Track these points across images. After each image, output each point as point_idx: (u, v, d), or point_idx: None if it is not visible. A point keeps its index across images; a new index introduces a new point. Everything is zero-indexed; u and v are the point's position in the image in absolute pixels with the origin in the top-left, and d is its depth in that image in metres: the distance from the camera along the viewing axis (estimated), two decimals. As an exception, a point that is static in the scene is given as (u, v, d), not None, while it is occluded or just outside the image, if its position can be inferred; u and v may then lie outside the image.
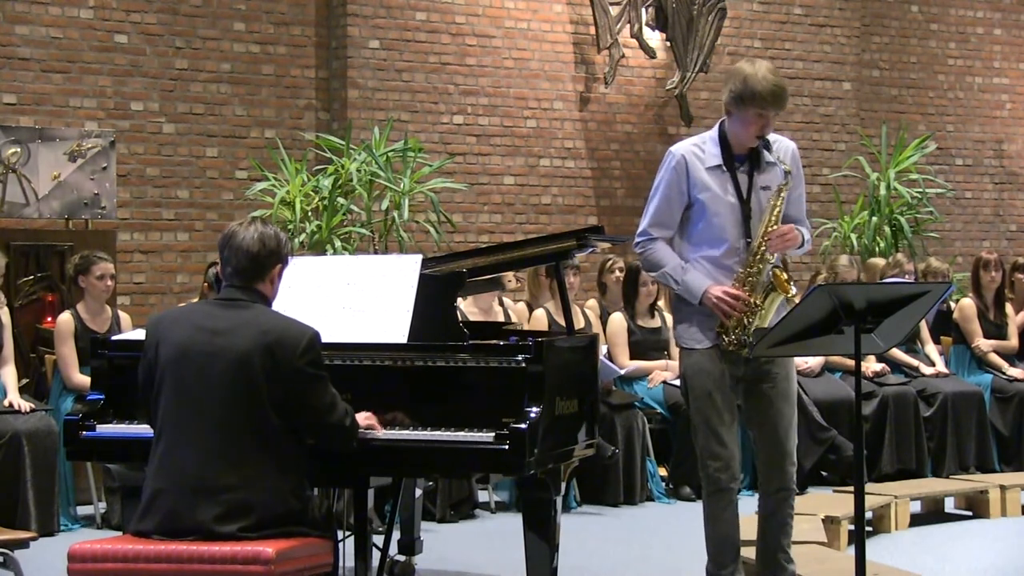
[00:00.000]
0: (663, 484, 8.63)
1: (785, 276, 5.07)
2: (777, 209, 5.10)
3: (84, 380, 7.15)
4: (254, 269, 4.50)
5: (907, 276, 9.25)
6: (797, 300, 4.86)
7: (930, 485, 8.43)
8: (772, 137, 5.17)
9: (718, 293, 5.07)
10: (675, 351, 8.87)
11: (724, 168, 5.14)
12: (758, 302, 5.06)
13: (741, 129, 5.11)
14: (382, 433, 4.71)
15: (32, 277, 8.76)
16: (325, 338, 4.52)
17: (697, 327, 5.17)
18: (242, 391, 4.34)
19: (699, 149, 5.19)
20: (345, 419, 4.51)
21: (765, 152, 5.12)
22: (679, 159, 5.17)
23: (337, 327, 4.91)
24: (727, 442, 5.16)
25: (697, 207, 5.16)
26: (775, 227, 5.09)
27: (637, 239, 5.28)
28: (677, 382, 8.69)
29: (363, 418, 4.67)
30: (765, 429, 5.23)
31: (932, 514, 8.12)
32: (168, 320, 4.57)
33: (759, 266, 5.08)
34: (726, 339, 5.09)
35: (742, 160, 5.17)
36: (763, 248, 5.08)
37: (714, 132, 5.21)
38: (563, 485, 5.06)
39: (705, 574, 5.30)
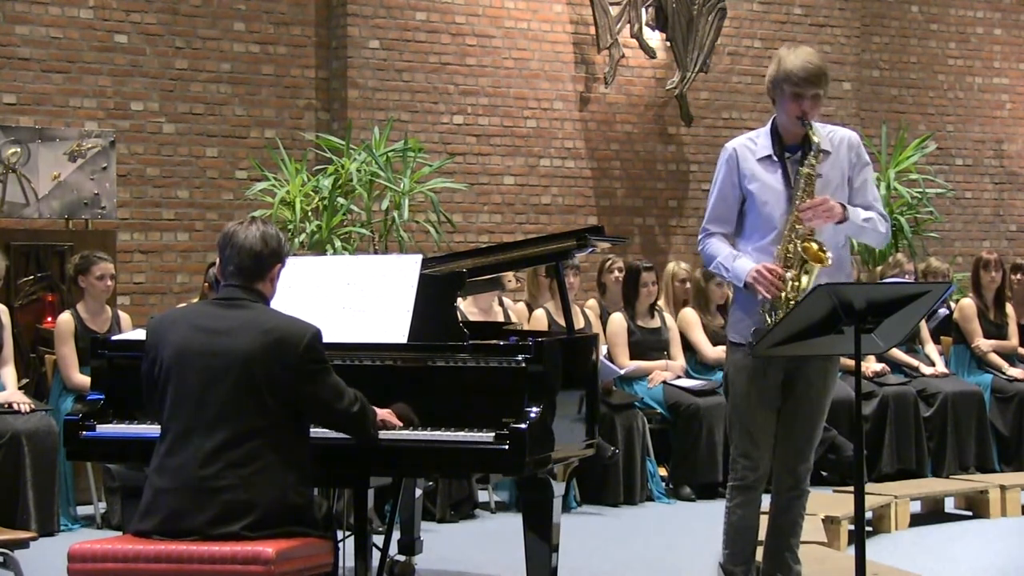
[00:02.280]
0: (663, 484, 8.63)
1: (816, 246, 4.99)
2: (811, 182, 5.03)
3: (84, 380, 7.14)
4: (256, 268, 4.50)
5: (907, 276, 9.25)
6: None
7: (930, 485, 8.43)
8: (830, 128, 5.17)
9: (756, 269, 5.03)
10: (675, 351, 8.91)
11: (775, 157, 5.14)
12: (793, 275, 5.00)
13: (783, 113, 5.12)
14: (382, 432, 4.70)
15: (32, 277, 8.76)
16: (325, 338, 4.52)
17: (745, 321, 5.15)
18: (244, 390, 4.34)
19: (752, 142, 5.21)
20: (353, 406, 4.51)
21: (816, 139, 5.07)
22: (731, 153, 5.20)
23: (337, 327, 4.91)
24: (760, 442, 5.16)
25: (749, 199, 5.16)
26: (807, 200, 5.03)
27: (699, 236, 5.29)
28: (677, 382, 8.76)
29: (382, 414, 4.70)
30: (789, 428, 5.22)
31: (932, 514, 8.12)
32: (168, 321, 4.57)
33: (794, 240, 5.04)
34: (770, 320, 5.03)
35: (794, 150, 5.15)
36: (796, 223, 5.04)
37: (767, 125, 5.23)
38: (563, 485, 5.06)
39: (719, 568, 5.30)
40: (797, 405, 5.20)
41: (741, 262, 5.11)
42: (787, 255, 5.05)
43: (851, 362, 4.77)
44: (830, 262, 5.01)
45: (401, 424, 4.75)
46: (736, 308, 5.26)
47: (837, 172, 5.15)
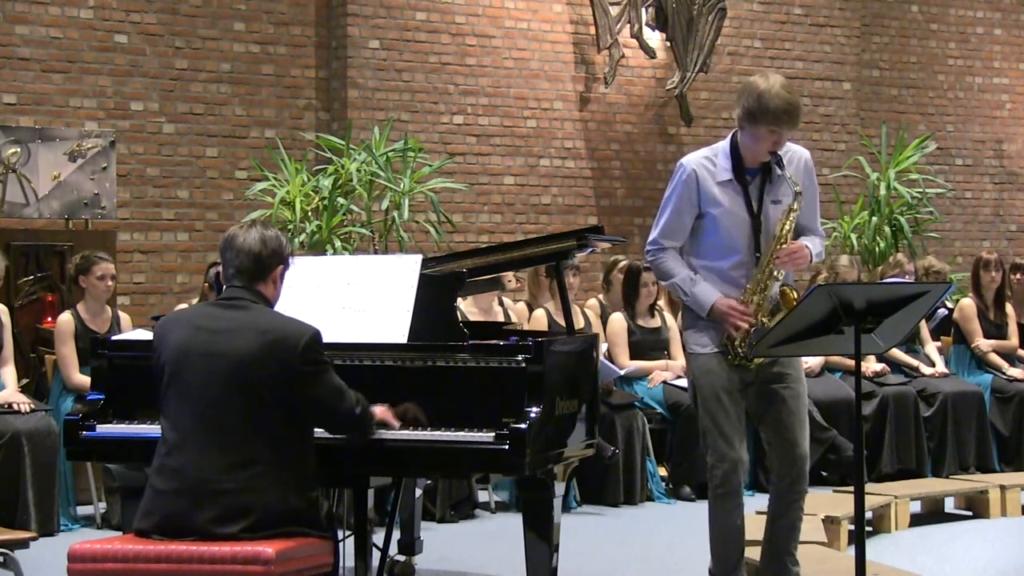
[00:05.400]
0: (663, 484, 8.63)
1: (795, 295, 5.04)
2: (787, 228, 5.10)
3: (84, 380, 7.14)
4: (256, 269, 4.51)
5: (907, 276, 9.26)
6: None
7: (930, 485, 8.43)
8: (785, 146, 5.17)
9: (725, 308, 5.07)
10: (675, 351, 8.91)
11: (736, 182, 5.13)
12: (764, 320, 5.06)
13: (753, 144, 5.09)
14: (382, 432, 4.70)
15: (32, 277, 8.76)
16: (325, 338, 4.51)
17: (705, 332, 5.18)
18: (243, 392, 4.34)
19: (710, 162, 5.17)
20: (355, 408, 4.52)
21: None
22: (690, 173, 5.16)
23: (337, 327, 4.91)
24: (735, 444, 5.16)
25: (708, 220, 5.16)
26: (784, 245, 5.09)
27: (648, 248, 5.28)
28: (677, 382, 8.75)
29: (379, 411, 4.69)
30: (779, 431, 5.22)
31: (932, 514, 8.12)
32: (171, 321, 4.59)
33: (767, 283, 5.09)
34: (731, 352, 5.10)
35: (754, 174, 5.15)
36: (771, 267, 5.08)
37: (726, 145, 5.19)
38: (563, 485, 5.06)
39: (708, 574, 5.31)
40: (780, 405, 5.21)
41: (702, 288, 5.14)
42: (755, 294, 5.09)
43: (851, 362, 4.77)
44: None
45: (398, 425, 4.75)
46: (691, 322, 5.25)
47: (792, 194, 5.16)
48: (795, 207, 5.10)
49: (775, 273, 5.10)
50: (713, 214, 5.13)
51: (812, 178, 5.26)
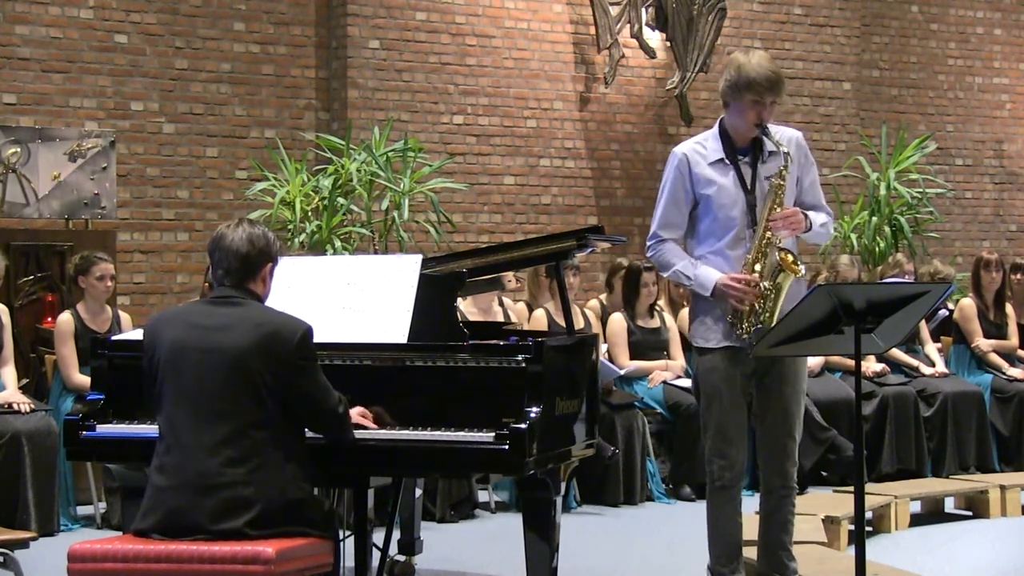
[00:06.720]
0: (663, 484, 8.64)
1: (792, 258, 5.07)
2: (780, 192, 5.10)
3: (84, 380, 7.14)
4: (245, 269, 4.54)
5: (907, 276, 9.26)
6: (806, 277, 5.02)
7: (930, 485, 8.43)
8: (774, 128, 5.20)
9: (727, 280, 5.08)
10: (675, 351, 8.91)
11: (727, 161, 5.18)
12: (767, 285, 5.06)
13: (739, 119, 5.15)
14: (382, 433, 4.72)
15: (32, 277, 8.76)
16: (325, 338, 4.54)
17: (711, 325, 5.19)
18: (240, 386, 4.36)
19: (701, 146, 5.23)
20: (339, 407, 4.56)
21: (767, 141, 5.13)
22: (681, 158, 5.21)
23: (337, 327, 4.92)
24: (734, 441, 5.19)
25: (703, 204, 5.19)
26: (779, 210, 5.10)
27: (648, 242, 5.30)
28: (677, 382, 8.76)
29: (356, 414, 4.71)
30: (769, 426, 5.25)
31: (932, 514, 8.13)
32: (164, 320, 4.61)
33: (765, 250, 5.09)
34: (740, 328, 5.09)
35: (745, 152, 5.20)
36: (768, 232, 5.08)
37: (715, 128, 5.26)
38: (563, 485, 5.06)
39: (707, 572, 5.31)
40: (775, 404, 5.23)
41: (704, 270, 5.15)
42: (757, 263, 5.09)
43: (851, 362, 4.77)
44: (802, 273, 5.07)
45: (376, 425, 4.76)
46: (698, 314, 5.27)
47: (790, 175, 5.18)
48: (784, 168, 5.10)
49: (773, 239, 5.09)
50: (707, 195, 5.17)
51: (808, 155, 5.30)
